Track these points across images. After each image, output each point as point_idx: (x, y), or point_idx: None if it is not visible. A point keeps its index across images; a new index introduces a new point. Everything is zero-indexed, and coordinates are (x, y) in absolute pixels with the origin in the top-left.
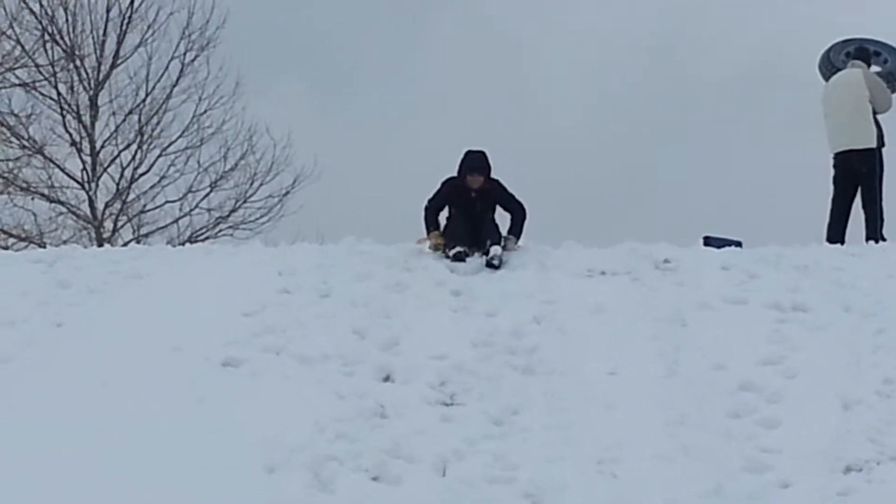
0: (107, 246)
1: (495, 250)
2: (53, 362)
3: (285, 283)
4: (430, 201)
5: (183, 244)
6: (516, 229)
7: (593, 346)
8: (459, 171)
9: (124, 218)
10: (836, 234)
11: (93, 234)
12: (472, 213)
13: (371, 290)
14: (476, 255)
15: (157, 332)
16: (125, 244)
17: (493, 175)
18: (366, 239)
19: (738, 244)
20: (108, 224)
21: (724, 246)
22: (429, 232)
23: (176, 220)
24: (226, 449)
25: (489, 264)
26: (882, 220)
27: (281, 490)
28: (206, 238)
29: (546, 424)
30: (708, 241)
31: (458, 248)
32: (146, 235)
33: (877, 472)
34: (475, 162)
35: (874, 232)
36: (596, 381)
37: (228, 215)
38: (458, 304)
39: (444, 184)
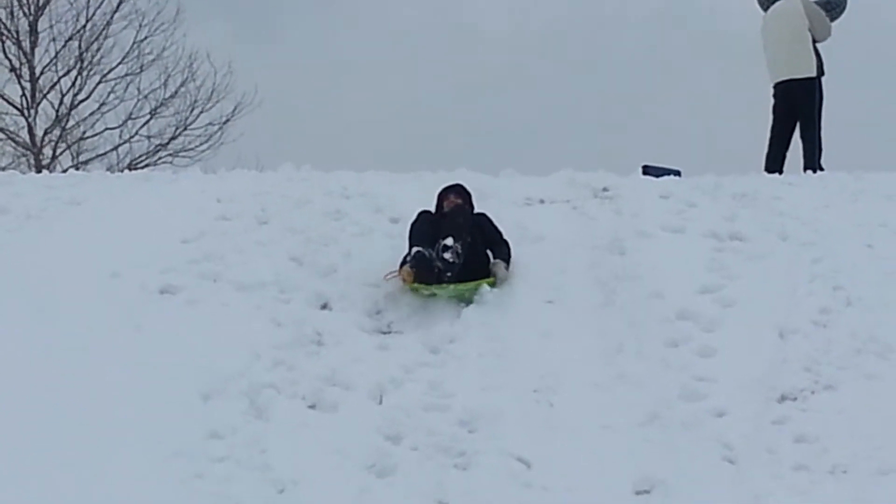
0: (46, 173)
1: (449, 241)
2: None
3: (224, 209)
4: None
5: (122, 171)
6: (504, 256)
7: (531, 274)
8: (437, 205)
9: (63, 145)
10: (775, 163)
11: (32, 161)
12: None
13: (309, 217)
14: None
15: (94, 259)
16: (64, 171)
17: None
18: (304, 166)
19: (677, 173)
20: (48, 151)
21: (662, 175)
22: (402, 265)
23: (115, 148)
24: (162, 376)
25: (441, 251)
26: (820, 149)
27: (217, 417)
28: (146, 165)
29: (482, 352)
30: (647, 171)
31: (418, 248)
32: (85, 162)
33: (812, 401)
34: (451, 186)
35: (812, 162)
36: (533, 309)
37: (168, 143)
38: (396, 230)
39: (419, 214)
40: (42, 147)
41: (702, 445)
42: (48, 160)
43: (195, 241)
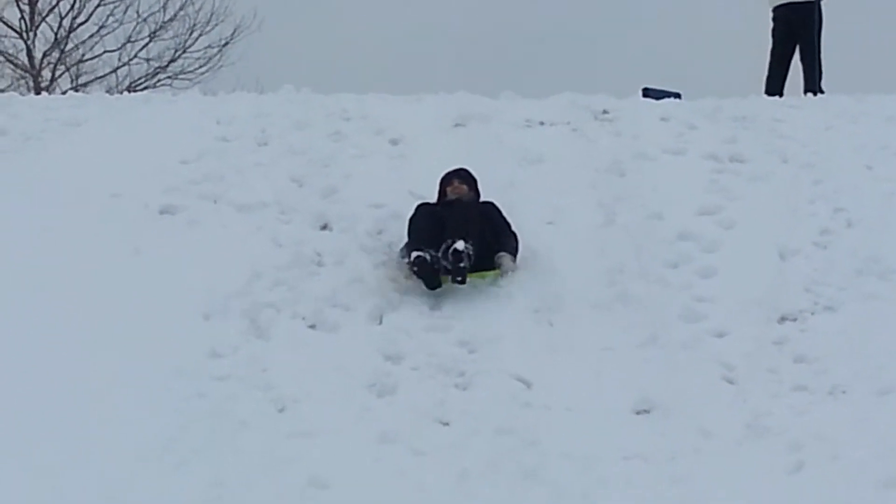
0: (45, 95)
1: (460, 244)
2: None
3: (223, 131)
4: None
5: (121, 94)
6: (511, 250)
7: (532, 196)
8: (440, 192)
9: (62, 67)
10: (775, 86)
11: (31, 84)
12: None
13: (309, 138)
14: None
15: (94, 180)
16: (63, 93)
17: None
18: (304, 88)
19: (677, 96)
20: (46, 73)
21: (663, 97)
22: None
23: (114, 70)
24: (163, 296)
25: (453, 259)
26: (820, 72)
27: (217, 336)
28: (145, 88)
29: (491, 273)
30: (647, 93)
31: (418, 253)
32: (84, 85)
33: (811, 322)
34: (456, 171)
35: (812, 84)
36: (535, 230)
37: (167, 65)
38: (397, 152)
39: (418, 208)
40: (41, 69)
41: (702, 365)
42: (47, 83)
43: (195, 162)
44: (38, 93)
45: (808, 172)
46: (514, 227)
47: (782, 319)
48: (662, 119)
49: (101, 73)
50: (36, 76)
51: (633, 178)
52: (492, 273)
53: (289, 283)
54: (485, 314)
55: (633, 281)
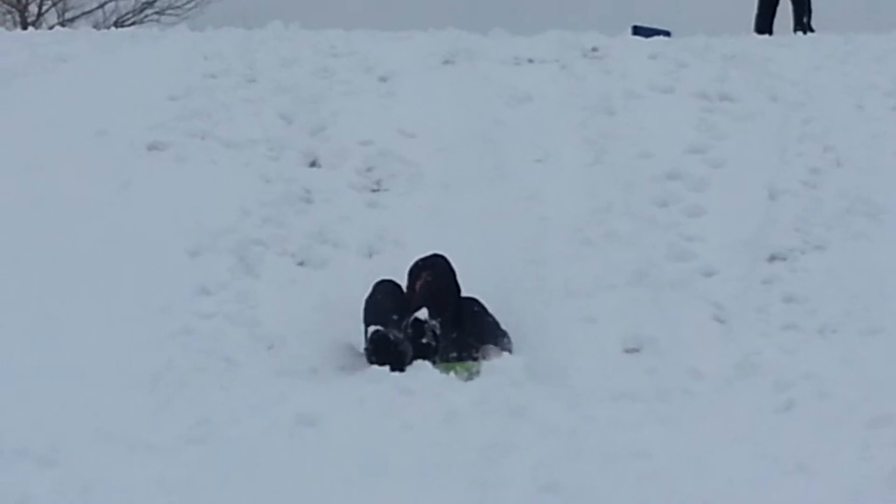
0: (31, 30)
1: (423, 313)
2: None
3: (211, 67)
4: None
5: (108, 29)
6: (503, 344)
7: (520, 134)
8: (409, 286)
9: (49, 2)
10: (765, 24)
11: (17, 19)
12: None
13: (297, 75)
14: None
15: (81, 116)
16: (50, 28)
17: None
18: (292, 24)
19: (667, 34)
20: (33, 8)
21: (652, 35)
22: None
23: (101, 5)
24: (150, 232)
25: (413, 332)
26: (810, 11)
27: (206, 273)
28: (132, 24)
29: (471, 210)
30: (636, 31)
31: (376, 328)
32: (71, 20)
33: (801, 261)
34: (428, 261)
35: (802, 23)
36: (523, 169)
37: (154, 1)
38: (386, 89)
39: (376, 285)
40: (27, 4)
41: (691, 304)
42: (34, 17)
43: (182, 99)
44: (24, 28)
45: (798, 111)
46: (503, 327)
47: (771, 259)
48: (651, 57)
49: (87, 9)
50: (22, 10)
51: (621, 116)
52: (474, 365)
53: (277, 220)
54: (474, 248)
55: (621, 220)
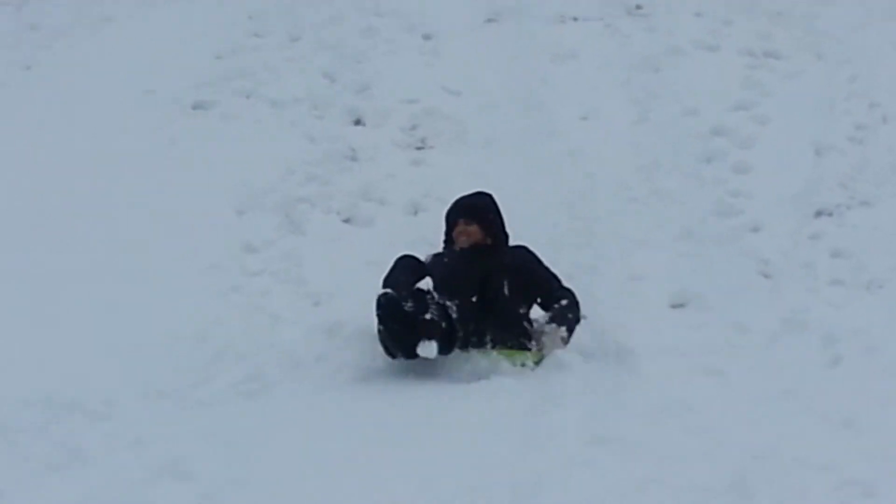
0: None
1: (426, 283)
2: (24, 105)
3: (255, 26)
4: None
5: None
6: (561, 316)
7: (565, 92)
8: (446, 234)
9: None
10: None
11: None
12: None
13: (342, 33)
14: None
15: (127, 75)
16: None
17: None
18: None
19: None
20: None
21: None
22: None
23: None
24: (197, 191)
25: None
26: None
27: (252, 231)
28: None
29: (515, 168)
30: None
31: (386, 290)
32: None
33: (847, 217)
34: (463, 203)
35: None
36: (568, 126)
37: None
38: (429, 48)
39: (398, 261)
40: None
41: (737, 260)
42: None
43: (228, 58)
44: None
45: (844, 69)
46: (560, 277)
47: (818, 214)
48: (697, 14)
49: None
50: None
51: (667, 73)
52: (521, 355)
53: (322, 178)
54: (516, 202)
55: (667, 176)
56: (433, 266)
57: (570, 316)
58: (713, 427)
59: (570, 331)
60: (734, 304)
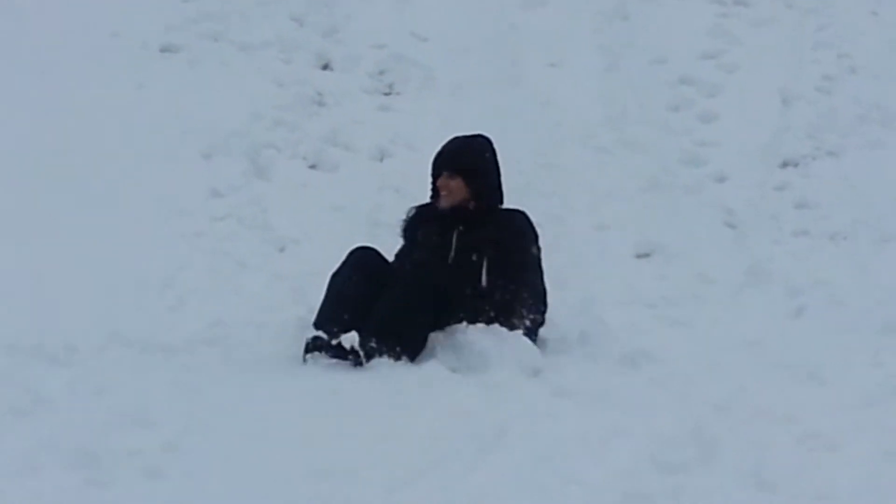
0: None
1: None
2: None
3: None
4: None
5: None
6: (522, 319)
7: (535, 39)
8: (432, 185)
9: None
10: None
11: None
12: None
13: None
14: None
15: (94, 18)
16: None
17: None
18: None
19: None
20: None
21: None
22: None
23: None
24: (163, 134)
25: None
26: None
27: (218, 175)
28: None
29: (484, 114)
30: None
31: (316, 334)
32: None
33: (813, 167)
34: (447, 151)
35: None
36: (537, 73)
37: None
38: None
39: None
40: None
41: (703, 210)
42: None
43: (195, 1)
44: None
45: (813, 17)
46: (538, 272)
47: (784, 165)
48: None
49: None
50: None
51: (636, 21)
52: None
53: (289, 123)
54: None
55: (635, 125)
56: (402, 254)
57: (531, 317)
58: (677, 377)
59: (533, 333)
60: (699, 255)
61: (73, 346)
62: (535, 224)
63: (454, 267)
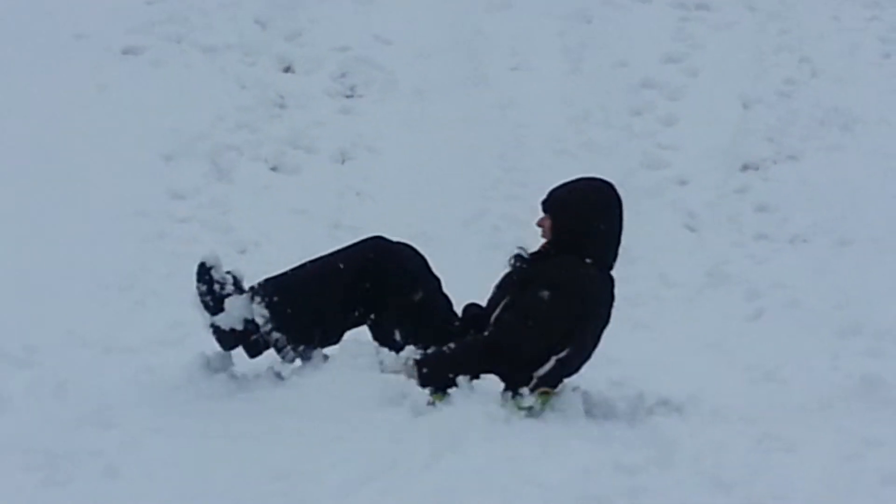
0: None
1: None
2: None
3: None
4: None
5: None
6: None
7: (498, 42)
8: None
9: None
10: None
11: None
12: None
13: None
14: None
15: (56, 20)
16: None
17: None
18: None
19: None
20: None
21: None
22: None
23: None
24: (125, 136)
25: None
26: None
27: (179, 178)
28: None
29: (446, 118)
30: None
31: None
32: None
33: (773, 171)
34: (551, 191)
35: None
36: (500, 76)
37: None
38: None
39: None
40: None
41: (664, 213)
42: None
43: (159, 3)
44: None
45: (774, 22)
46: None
47: (744, 168)
48: None
49: None
50: None
51: (599, 24)
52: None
53: (251, 126)
54: (457, 153)
55: (597, 128)
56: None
57: (445, 351)
58: (636, 378)
59: (427, 366)
60: (659, 257)
61: (33, 347)
62: (596, 286)
63: (490, 301)
